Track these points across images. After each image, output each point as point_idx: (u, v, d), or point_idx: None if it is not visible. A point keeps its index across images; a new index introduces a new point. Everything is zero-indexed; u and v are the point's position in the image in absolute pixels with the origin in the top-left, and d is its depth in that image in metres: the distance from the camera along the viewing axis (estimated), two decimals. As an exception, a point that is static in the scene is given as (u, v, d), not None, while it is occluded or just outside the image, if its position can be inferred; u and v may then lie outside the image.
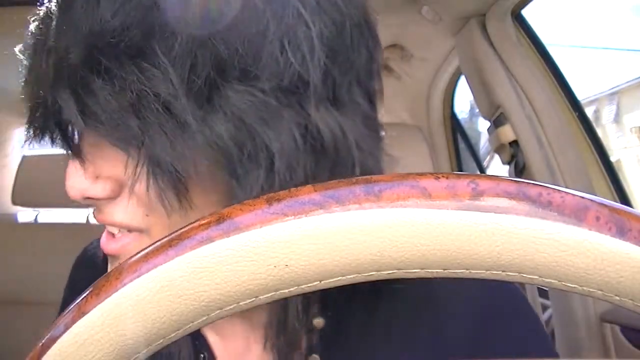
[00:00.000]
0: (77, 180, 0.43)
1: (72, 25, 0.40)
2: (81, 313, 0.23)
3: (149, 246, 0.23)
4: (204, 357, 0.54)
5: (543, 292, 1.43)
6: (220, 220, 0.22)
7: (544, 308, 1.40)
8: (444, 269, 0.22)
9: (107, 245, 0.46)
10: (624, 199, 1.32)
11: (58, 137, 0.43)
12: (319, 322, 0.51)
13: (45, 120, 0.43)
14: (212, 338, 0.55)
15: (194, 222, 0.23)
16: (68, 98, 0.40)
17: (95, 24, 0.39)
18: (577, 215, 0.21)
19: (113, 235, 0.46)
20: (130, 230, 0.45)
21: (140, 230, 0.45)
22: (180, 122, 0.39)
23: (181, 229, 0.23)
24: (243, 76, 0.39)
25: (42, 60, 0.43)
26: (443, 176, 0.22)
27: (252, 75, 0.39)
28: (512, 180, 0.22)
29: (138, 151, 0.41)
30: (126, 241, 0.45)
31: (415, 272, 0.22)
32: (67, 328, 0.23)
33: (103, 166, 0.44)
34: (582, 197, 0.21)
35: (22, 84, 0.47)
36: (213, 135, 0.39)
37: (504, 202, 0.21)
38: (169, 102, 0.38)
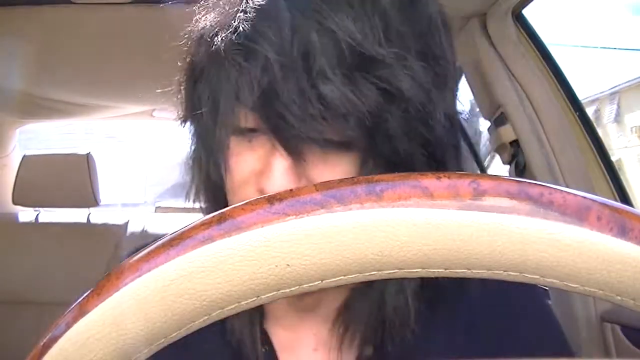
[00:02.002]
0: (288, 181, 0.45)
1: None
2: (82, 312, 0.23)
3: (150, 245, 0.23)
4: (266, 350, 0.55)
5: (544, 292, 1.43)
6: (221, 219, 0.22)
7: (545, 308, 1.40)
8: (445, 269, 0.22)
9: None
10: (625, 198, 1.32)
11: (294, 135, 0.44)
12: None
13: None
14: (276, 332, 0.57)
15: (195, 222, 0.23)
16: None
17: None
18: (579, 215, 0.21)
19: None
20: None
21: None
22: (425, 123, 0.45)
23: (182, 228, 0.23)
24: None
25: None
26: (444, 176, 0.22)
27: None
28: (513, 180, 0.22)
29: (365, 152, 0.46)
30: None
31: (416, 271, 0.22)
32: (68, 327, 0.23)
33: (319, 168, 0.46)
34: (584, 197, 0.21)
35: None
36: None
37: (505, 202, 0.21)
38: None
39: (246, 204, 0.22)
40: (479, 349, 0.51)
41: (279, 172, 0.45)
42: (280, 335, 0.56)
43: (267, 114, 0.44)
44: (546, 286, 0.22)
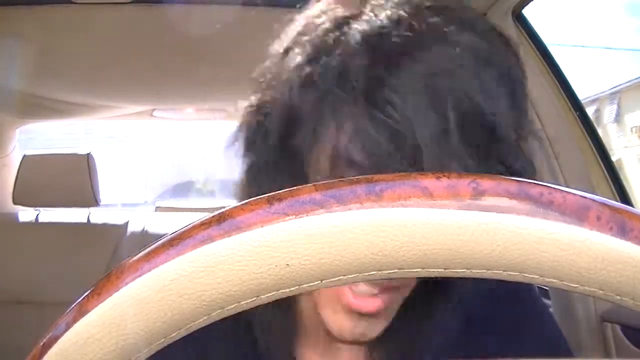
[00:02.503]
0: None
1: None
2: (82, 312, 0.23)
3: (150, 245, 0.23)
4: None
5: (544, 292, 1.43)
6: (221, 219, 0.22)
7: (545, 307, 1.40)
8: (445, 269, 0.22)
9: (370, 303, 0.47)
10: (625, 198, 1.32)
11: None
12: None
13: None
14: (310, 357, 0.57)
15: (195, 222, 0.23)
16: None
17: None
18: (579, 214, 0.21)
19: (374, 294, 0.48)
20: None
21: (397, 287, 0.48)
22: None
23: (182, 228, 0.23)
24: None
25: None
26: (444, 176, 0.22)
27: None
28: (513, 180, 0.22)
29: None
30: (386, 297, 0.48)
31: (416, 271, 0.22)
32: (68, 327, 0.23)
33: None
34: (584, 197, 0.21)
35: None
36: None
37: (505, 201, 0.21)
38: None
39: (245, 204, 0.22)
40: (479, 347, 0.52)
41: None
42: None
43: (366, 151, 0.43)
44: (546, 286, 0.22)
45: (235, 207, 0.22)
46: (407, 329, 0.52)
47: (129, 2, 1.36)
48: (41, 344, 0.23)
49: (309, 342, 0.56)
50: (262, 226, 0.22)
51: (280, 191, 0.22)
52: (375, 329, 0.50)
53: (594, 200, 0.21)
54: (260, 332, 0.54)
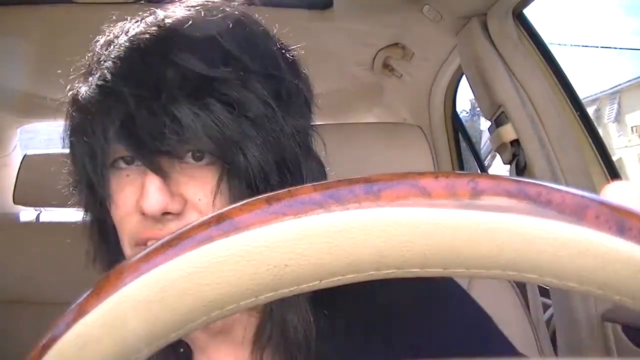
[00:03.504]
0: (161, 196, 0.50)
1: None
2: (82, 313, 0.23)
3: (149, 246, 0.23)
4: None
5: (544, 291, 1.43)
6: (220, 220, 0.22)
7: (545, 307, 1.40)
8: (444, 268, 0.22)
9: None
10: (625, 198, 1.32)
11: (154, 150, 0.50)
12: None
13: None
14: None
15: (194, 222, 0.23)
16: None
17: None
18: (577, 214, 0.21)
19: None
20: None
21: None
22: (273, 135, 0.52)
23: (181, 229, 0.23)
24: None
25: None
26: (442, 175, 0.22)
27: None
28: (511, 179, 0.22)
29: (222, 164, 0.51)
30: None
31: (414, 271, 0.22)
32: (67, 328, 0.23)
33: (188, 184, 0.52)
34: (582, 196, 0.21)
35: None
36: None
37: (503, 201, 0.21)
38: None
39: (244, 204, 0.22)
40: (378, 347, 0.54)
41: (152, 191, 0.50)
42: None
43: (129, 141, 0.50)
44: (545, 285, 0.22)
45: (234, 207, 0.22)
46: (273, 323, 0.55)
47: (129, 2, 1.36)
48: (41, 344, 0.23)
49: (199, 345, 0.59)
50: (260, 226, 0.22)
51: (279, 191, 0.22)
52: (235, 323, 0.56)
53: (592, 200, 0.21)
54: None
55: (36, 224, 1.95)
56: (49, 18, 1.45)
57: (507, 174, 1.34)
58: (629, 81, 13.39)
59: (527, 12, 1.30)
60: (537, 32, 1.31)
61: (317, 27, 1.52)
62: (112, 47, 0.55)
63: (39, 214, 1.98)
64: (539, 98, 1.21)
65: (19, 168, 1.94)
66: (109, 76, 0.51)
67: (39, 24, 1.46)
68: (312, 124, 0.60)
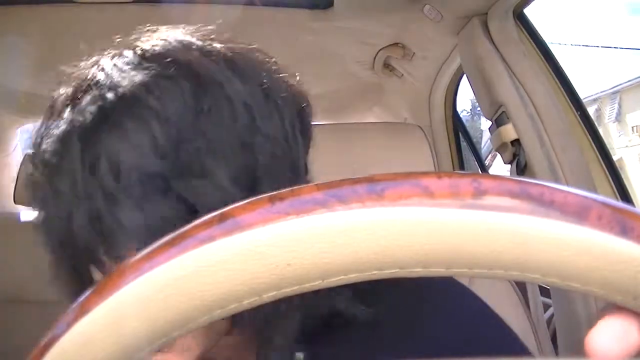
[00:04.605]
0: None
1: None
2: (83, 312, 0.23)
3: (151, 245, 0.23)
4: None
5: (545, 291, 1.43)
6: (222, 219, 0.22)
7: (546, 307, 1.40)
8: (446, 268, 0.22)
9: None
10: (626, 197, 1.32)
11: None
12: (299, 356, 0.51)
13: None
14: None
15: (196, 221, 0.23)
16: None
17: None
18: (580, 214, 0.21)
19: None
20: None
21: None
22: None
23: (184, 228, 0.23)
24: None
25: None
26: (445, 175, 0.22)
27: None
28: (514, 179, 0.22)
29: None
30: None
31: (417, 271, 0.22)
32: (69, 327, 0.23)
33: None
34: (585, 197, 0.21)
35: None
36: None
37: (506, 201, 0.21)
38: None
39: (247, 203, 0.22)
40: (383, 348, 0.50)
41: None
42: None
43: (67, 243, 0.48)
44: (546, 285, 0.22)
45: (237, 206, 0.22)
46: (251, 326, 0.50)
47: (130, 2, 1.36)
48: (42, 343, 0.23)
49: None
50: (263, 225, 0.22)
51: (282, 190, 0.22)
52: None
53: (595, 200, 0.21)
54: None
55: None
56: (49, 18, 1.45)
57: (508, 173, 1.34)
58: (629, 81, 13.38)
59: (528, 11, 1.30)
60: (537, 32, 1.31)
61: (318, 27, 1.52)
62: (59, 118, 0.49)
63: (39, 214, 1.97)
64: (540, 98, 1.21)
65: (19, 167, 1.94)
66: (49, 165, 0.46)
67: (39, 24, 1.46)
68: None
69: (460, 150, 1.95)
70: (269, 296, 0.23)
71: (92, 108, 0.46)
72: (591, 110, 13.03)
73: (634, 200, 1.53)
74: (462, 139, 1.96)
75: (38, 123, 0.51)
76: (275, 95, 0.49)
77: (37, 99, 1.89)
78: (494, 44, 1.25)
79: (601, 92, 14.21)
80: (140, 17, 1.40)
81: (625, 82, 13.55)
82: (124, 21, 1.46)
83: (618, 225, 0.21)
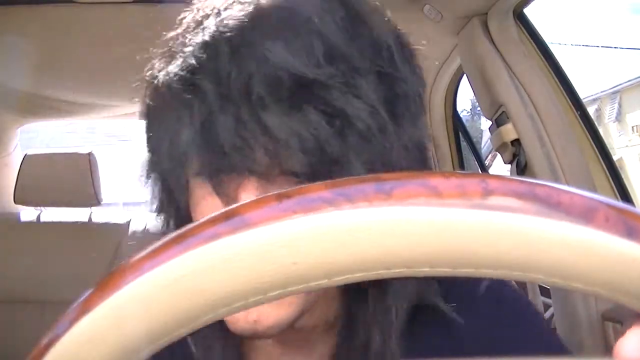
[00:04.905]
0: None
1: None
2: (84, 311, 0.23)
3: (155, 243, 0.23)
4: None
5: (545, 291, 1.43)
6: (229, 216, 0.22)
7: (546, 307, 1.41)
8: (453, 268, 0.22)
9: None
10: (626, 197, 1.32)
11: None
12: None
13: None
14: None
15: (202, 219, 0.23)
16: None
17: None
18: (586, 215, 0.21)
19: None
20: None
21: None
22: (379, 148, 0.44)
23: (188, 226, 0.23)
24: None
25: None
26: (453, 175, 0.22)
27: None
28: (521, 180, 0.22)
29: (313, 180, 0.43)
30: None
31: (423, 270, 0.22)
32: (70, 326, 0.23)
33: None
34: (591, 198, 0.21)
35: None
36: None
37: (513, 202, 0.21)
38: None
39: (254, 201, 0.22)
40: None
41: None
42: None
43: (206, 151, 0.43)
44: (550, 285, 0.22)
45: (244, 204, 0.22)
46: (353, 347, 0.49)
47: (130, 2, 1.36)
48: (43, 343, 0.23)
49: (258, 344, 0.55)
50: (270, 223, 0.22)
51: (290, 189, 0.22)
52: (270, 314, 0.45)
53: (601, 202, 0.21)
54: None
55: (37, 224, 1.95)
56: (50, 18, 1.45)
57: (508, 173, 1.34)
58: (629, 81, 13.39)
59: (528, 11, 1.30)
60: (537, 32, 1.31)
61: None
62: (199, 29, 0.46)
63: (39, 214, 1.98)
64: (540, 98, 1.21)
65: (20, 168, 1.94)
66: (191, 66, 0.44)
67: (40, 24, 1.45)
68: (427, 132, 0.51)
69: (460, 150, 1.95)
70: (274, 294, 0.23)
71: (243, 15, 0.44)
72: (591, 110, 13.03)
73: (634, 201, 1.53)
74: (462, 139, 1.96)
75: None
76: (406, 48, 0.51)
77: (37, 99, 1.89)
78: (494, 44, 1.25)
79: (601, 92, 14.23)
80: (140, 17, 1.40)
81: (626, 82, 13.56)
82: (124, 21, 1.46)
83: (624, 227, 0.21)
